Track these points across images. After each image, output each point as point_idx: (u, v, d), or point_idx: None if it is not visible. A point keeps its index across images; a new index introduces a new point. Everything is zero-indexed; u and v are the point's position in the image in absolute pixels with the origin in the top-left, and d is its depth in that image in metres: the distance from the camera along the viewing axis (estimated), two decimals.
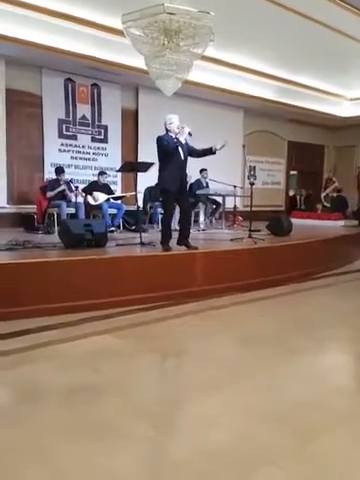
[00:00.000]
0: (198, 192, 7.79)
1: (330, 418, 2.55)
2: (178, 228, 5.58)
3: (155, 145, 5.16)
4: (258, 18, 6.96)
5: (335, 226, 8.72)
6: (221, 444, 2.21)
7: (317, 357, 3.64)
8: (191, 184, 7.74)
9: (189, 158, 5.37)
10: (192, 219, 6.08)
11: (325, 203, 10.58)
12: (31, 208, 7.43)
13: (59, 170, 7.27)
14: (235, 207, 8.35)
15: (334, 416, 2.57)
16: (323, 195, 10.90)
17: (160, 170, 5.24)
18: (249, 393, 2.84)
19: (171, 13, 4.96)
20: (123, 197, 7.64)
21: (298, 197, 12.11)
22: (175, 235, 5.41)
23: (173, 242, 5.33)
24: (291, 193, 12.58)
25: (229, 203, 8.15)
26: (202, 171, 8.23)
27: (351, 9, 6.96)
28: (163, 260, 4.91)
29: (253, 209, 6.58)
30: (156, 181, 5.49)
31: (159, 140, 5.13)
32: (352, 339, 4.17)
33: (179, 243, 5.26)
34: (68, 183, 7.10)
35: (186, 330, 4.09)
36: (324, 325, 4.43)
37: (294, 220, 7.85)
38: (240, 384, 2.96)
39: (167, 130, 5.23)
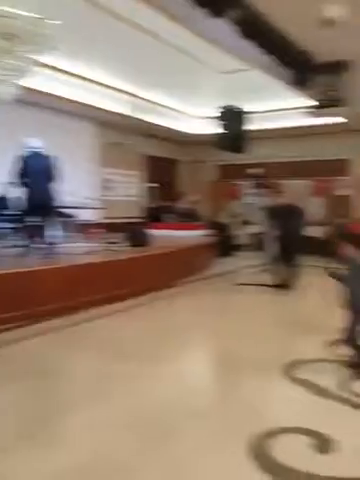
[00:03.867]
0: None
1: (186, 418, 2.57)
2: None
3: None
4: (109, 33, 6.96)
5: (191, 236, 9.07)
6: (81, 463, 2.15)
7: (177, 362, 3.68)
8: None
9: None
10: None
11: (183, 215, 11.00)
12: None
13: None
14: (91, 219, 8.13)
15: (189, 416, 2.62)
16: (179, 207, 11.35)
17: None
18: (109, 407, 2.78)
19: (4, 16, 4.67)
20: None
21: (156, 209, 12.44)
22: None
23: None
24: (150, 205, 12.85)
25: (85, 216, 7.90)
26: None
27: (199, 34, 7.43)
28: (10, 278, 4.48)
29: (111, 221, 6.51)
30: None
31: None
32: (210, 340, 4.35)
33: None
34: None
35: (44, 349, 3.89)
36: (186, 331, 4.54)
37: (152, 231, 7.95)
38: (99, 399, 2.90)
39: None
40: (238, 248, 7.45)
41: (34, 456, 2.20)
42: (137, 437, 2.39)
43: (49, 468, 2.09)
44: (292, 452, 2.23)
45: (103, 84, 8.92)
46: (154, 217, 11.75)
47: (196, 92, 9.68)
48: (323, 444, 2.30)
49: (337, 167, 11.46)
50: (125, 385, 3.11)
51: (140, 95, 9.67)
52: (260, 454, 2.20)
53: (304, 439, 2.35)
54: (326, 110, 6.84)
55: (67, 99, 8.55)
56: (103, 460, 2.17)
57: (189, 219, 10.58)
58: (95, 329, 4.53)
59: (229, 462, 2.17)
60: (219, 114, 8.37)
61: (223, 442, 2.36)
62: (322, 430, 2.42)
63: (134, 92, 9.54)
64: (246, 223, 8.39)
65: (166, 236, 8.71)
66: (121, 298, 5.30)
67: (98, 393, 2.98)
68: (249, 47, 5.19)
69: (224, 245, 9.40)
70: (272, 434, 2.39)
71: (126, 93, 9.45)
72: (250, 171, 7.32)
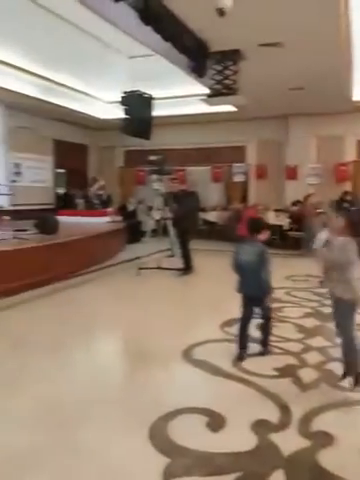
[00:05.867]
0: None
1: (92, 407, 2.71)
2: None
3: None
4: (15, 13, 6.63)
5: (101, 222, 9.11)
6: None
7: (83, 351, 3.80)
8: None
9: None
10: None
11: (94, 201, 10.91)
12: None
13: None
14: None
15: (95, 403, 2.77)
16: (90, 193, 11.23)
17: None
18: (15, 399, 2.84)
19: None
20: None
21: (65, 195, 12.19)
22: None
23: None
24: (60, 191, 12.54)
25: None
26: None
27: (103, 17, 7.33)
28: None
29: (20, 208, 6.32)
30: None
31: None
32: (116, 328, 4.51)
33: None
34: None
35: None
36: (91, 318, 4.64)
37: (61, 218, 7.86)
38: (5, 392, 2.94)
39: None
40: (145, 234, 7.68)
41: None
42: (44, 426, 2.49)
43: None
44: (188, 432, 2.45)
45: (11, 64, 8.48)
46: (64, 203, 11.53)
47: (105, 76, 9.57)
48: (216, 422, 2.54)
49: (234, 154, 12.06)
50: (31, 377, 3.19)
51: (50, 77, 9.32)
52: (159, 437, 2.39)
53: (199, 418, 2.58)
54: (217, 99, 7.14)
55: None
56: (11, 451, 2.26)
57: (98, 205, 10.55)
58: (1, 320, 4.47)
59: (131, 447, 2.32)
60: (123, 99, 8.39)
61: (126, 428, 2.51)
62: (216, 408, 2.67)
63: (44, 74, 9.17)
64: (151, 209, 8.64)
65: (75, 223, 8.67)
66: (29, 287, 5.24)
67: (3, 385, 3.03)
68: (150, 32, 5.27)
69: (132, 231, 9.56)
70: (170, 416, 2.61)
71: (35, 75, 9.08)
72: (151, 158, 7.48)
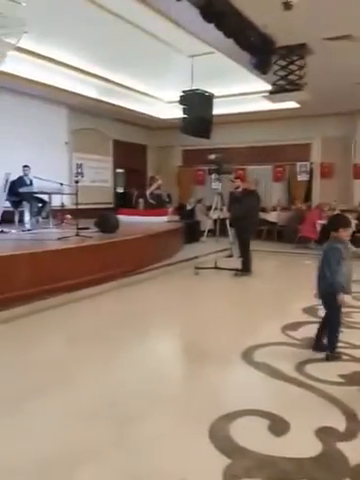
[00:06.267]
0: (21, 190, 7.33)
1: (151, 403, 2.73)
2: None
3: None
4: (76, 14, 6.88)
5: (160, 222, 9.21)
6: (46, 449, 2.23)
7: (142, 347, 3.84)
8: (13, 182, 7.26)
9: None
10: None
11: (150, 200, 11.08)
12: None
13: None
14: (62, 205, 8.12)
15: (154, 401, 2.77)
16: (148, 193, 11.40)
17: None
18: (75, 393, 2.87)
19: None
20: None
21: (125, 195, 12.47)
22: None
23: None
24: (119, 190, 12.88)
25: (56, 201, 7.90)
26: (25, 167, 7.78)
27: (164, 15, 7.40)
28: None
29: (81, 207, 6.55)
30: None
31: None
32: (173, 326, 4.53)
33: None
34: None
35: (10, 336, 3.91)
36: (150, 317, 4.70)
37: (121, 217, 8.03)
38: (66, 385, 2.98)
39: None
40: (203, 234, 7.66)
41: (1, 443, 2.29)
42: (102, 423, 2.52)
43: (17, 455, 2.19)
44: (249, 434, 2.39)
45: (74, 67, 8.81)
46: (123, 202, 11.81)
47: (165, 76, 9.67)
48: (279, 426, 2.46)
49: (297, 152, 11.72)
50: (91, 370, 3.23)
51: (110, 78, 9.58)
52: (219, 437, 2.35)
53: (261, 421, 2.51)
54: (280, 95, 6.94)
55: (37, 82, 8.40)
56: (70, 446, 2.27)
57: (157, 205, 10.68)
58: (63, 315, 4.60)
59: (191, 445, 2.30)
60: (182, 98, 8.38)
61: (185, 426, 2.49)
62: (278, 412, 2.59)
63: (104, 75, 9.44)
64: (209, 209, 8.60)
65: (135, 222, 8.80)
66: (91, 284, 5.40)
67: (64, 379, 3.05)
68: (211, 29, 5.24)
69: (190, 231, 9.58)
70: (231, 417, 2.54)
71: (96, 77, 9.36)
72: (210, 156, 7.42)
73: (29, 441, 2.32)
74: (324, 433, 2.41)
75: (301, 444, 2.33)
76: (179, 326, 4.53)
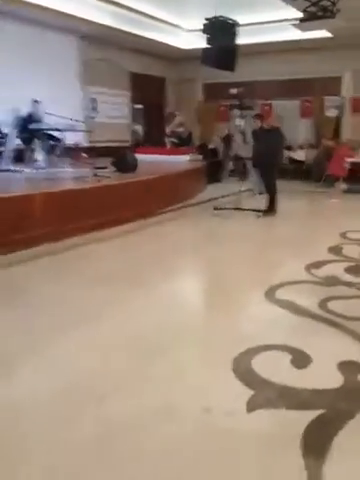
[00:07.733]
0: (32, 127, 6.94)
1: (175, 337, 2.75)
2: None
3: None
4: None
5: (181, 161, 8.76)
6: (71, 382, 2.28)
7: (165, 285, 3.87)
8: (23, 118, 6.89)
9: None
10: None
11: (173, 139, 10.69)
12: None
13: None
14: (77, 143, 7.89)
15: (177, 336, 2.79)
16: (169, 131, 11.00)
17: None
18: (99, 328, 2.92)
19: None
20: None
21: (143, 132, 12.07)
22: None
23: None
24: (136, 128, 12.44)
25: (70, 139, 7.60)
26: (35, 102, 7.19)
27: None
28: None
29: (97, 145, 6.33)
30: None
31: None
32: (196, 265, 4.53)
33: None
34: None
35: (35, 275, 3.94)
36: (173, 256, 4.69)
37: (139, 156, 7.70)
38: (90, 322, 3.02)
39: None
40: (227, 173, 7.44)
41: (33, 377, 2.36)
42: (127, 355, 2.55)
43: (46, 387, 2.25)
44: (272, 367, 2.42)
45: None
46: (142, 140, 11.44)
47: (186, 2, 8.97)
48: (301, 359, 2.49)
49: (327, 86, 10.98)
50: (115, 308, 3.24)
51: (126, 4, 8.91)
52: (242, 370, 2.38)
53: (284, 355, 2.54)
54: (311, 23, 6.37)
55: (45, 8, 7.84)
56: (97, 378, 2.32)
57: (178, 143, 10.34)
58: (84, 255, 4.57)
59: (214, 377, 2.34)
60: (205, 27, 7.77)
61: (209, 359, 2.53)
62: (301, 347, 2.60)
63: (119, 1, 8.79)
64: (233, 148, 8.29)
65: (154, 161, 8.51)
66: (109, 225, 5.35)
67: (88, 317, 3.08)
68: None
69: (213, 170, 9.34)
70: (254, 351, 2.57)
71: (111, 2, 8.70)
72: (231, 91, 6.99)
73: (56, 373, 2.37)
74: (346, 366, 2.44)
75: (323, 376, 2.36)
76: (202, 265, 4.54)
